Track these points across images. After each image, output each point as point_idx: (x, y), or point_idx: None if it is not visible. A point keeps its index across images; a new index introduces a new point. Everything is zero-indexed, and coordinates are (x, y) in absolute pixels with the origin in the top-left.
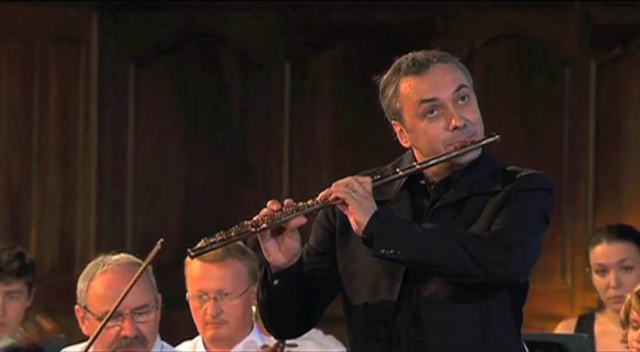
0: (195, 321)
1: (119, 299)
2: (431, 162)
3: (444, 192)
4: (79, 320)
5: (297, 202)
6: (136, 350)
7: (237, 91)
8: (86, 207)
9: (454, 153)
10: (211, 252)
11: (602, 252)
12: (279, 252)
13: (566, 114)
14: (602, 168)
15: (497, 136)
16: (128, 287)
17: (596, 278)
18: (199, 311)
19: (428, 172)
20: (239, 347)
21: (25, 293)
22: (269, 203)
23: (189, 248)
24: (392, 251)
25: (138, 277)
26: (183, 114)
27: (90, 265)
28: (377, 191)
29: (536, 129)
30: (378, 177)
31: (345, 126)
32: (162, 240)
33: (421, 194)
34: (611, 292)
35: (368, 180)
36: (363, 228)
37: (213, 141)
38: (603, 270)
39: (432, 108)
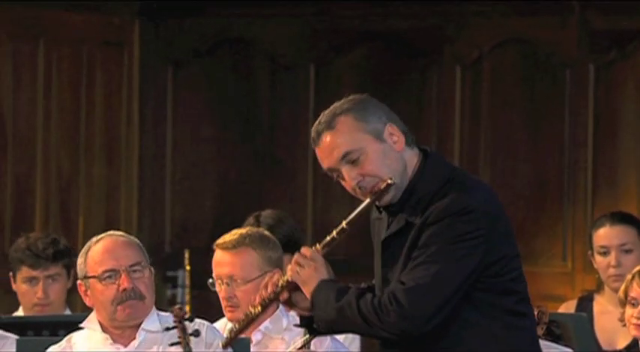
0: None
1: None
2: (350, 217)
3: (392, 222)
4: (82, 296)
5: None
6: (135, 304)
7: (266, 91)
8: (129, 197)
9: (358, 211)
10: (227, 238)
11: (605, 234)
12: (298, 309)
13: (566, 112)
14: (599, 161)
15: (389, 181)
16: None
17: (598, 259)
18: (220, 296)
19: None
20: (266, 323)
21: (64, 276)
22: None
23: (221, 234)
24: (320, 327)
25: None
26: (217, 112)
27: (85, 246)
28: (375, 211)
29: (540, 125)
30: (319, 246)
31: None
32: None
33: (390, 217)
34: (612, 271)
35: (311, 252)
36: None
37: (244, 137)
38: (605, 252)
39: (333, 175)
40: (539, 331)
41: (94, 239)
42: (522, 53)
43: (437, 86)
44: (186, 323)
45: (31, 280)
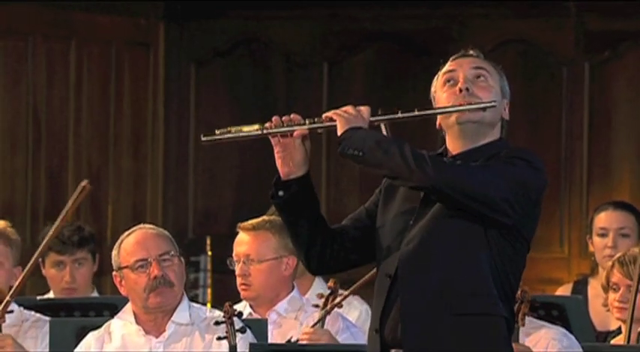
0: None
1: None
2: (430, 112)
3: None
4: (118, 286)
5: (305, 118)
6: (165, 291)
7: (282, 88)
8: (154, 187)
9: (450, 109)
10: (250, 222)
11: (606, 217)
12: (286, 161)
13: (563, 108)
14: (594, 154)
15: (494, 102)
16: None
17: (596, 240)
18: (236, 273)
19: (449, 149)
20: (283, 303)
21: (89, 260)
22: (285, 116)
23: (240, 222)
24: (356, 151)
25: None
26: (236, 107)
27: (118, 240)
28: None
29: (538, 120)
30: (381, 117)
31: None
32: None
33: None
34: (607, 251)
35: (366, 108)
36: (339, 135)
37: None
38: (604, 234)
39: (450, 78)
40: (524, 309)
41: (126, 232)
42: (522, 52)
43: None
44: (235, 319)
45: (59, 264)
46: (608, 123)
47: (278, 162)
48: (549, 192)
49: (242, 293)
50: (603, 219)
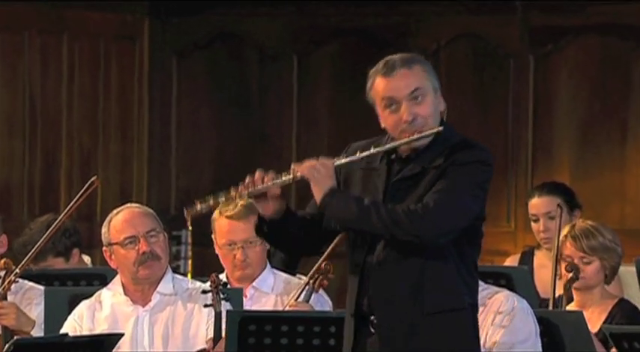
0: (224, 265)
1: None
2: (381, 149)
3: (405, 167)
4: (108, 260)
5: (277, 174)
6: (153, 264)
7: (256, 78)
8: (140, 168)
9: (400, 143)
10: (236, 210)
11: (534, 204)
12: (264, 210)
13: (510, 96)
14: (538, 138)
15: (439, 128)
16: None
17: (532, 225)
18: (229, 257)
19: (399, 148)
20: (258, 280)
21: (60, 263)
22: (257, 172)
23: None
24: (336, 224)
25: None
26: (215, 96)
27: (107, 218)
28: (367, 160)
29: (487, 107)
30: (342, 160)
31: (340, 104)
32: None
33: (395, 166)
34: (541, 235)
35: (329, 163)
36: (319, 203)
37: (237, 117)
38: (536, 219)
39: (391, 103)
40: None
41: (114, 211)
42: (473, 46)
43: None
44: (220, 288)
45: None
46: (550, 111)
47: (260, 210)
48: (498, 173)
49: (240, 273)
50: (532, 205)
